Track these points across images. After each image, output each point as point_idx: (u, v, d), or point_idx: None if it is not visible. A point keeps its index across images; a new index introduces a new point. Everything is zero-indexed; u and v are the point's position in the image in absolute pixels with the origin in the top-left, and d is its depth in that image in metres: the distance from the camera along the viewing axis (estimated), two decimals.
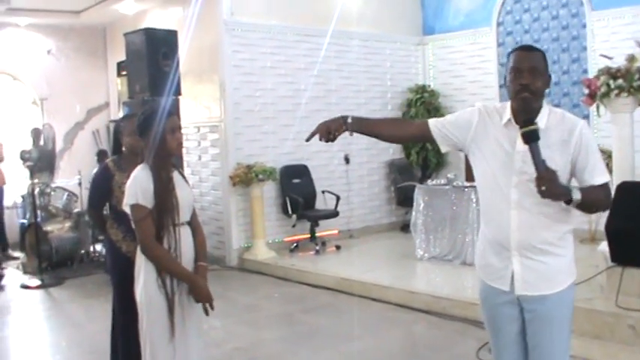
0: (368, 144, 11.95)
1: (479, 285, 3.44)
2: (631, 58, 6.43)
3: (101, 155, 11.08)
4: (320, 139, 3.44)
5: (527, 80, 3.10)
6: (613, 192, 6.00)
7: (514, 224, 3.17)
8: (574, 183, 3.18)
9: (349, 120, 3.53)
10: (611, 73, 6.33)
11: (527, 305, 3.23)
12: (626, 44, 7.78)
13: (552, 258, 3.18)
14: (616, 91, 6.25)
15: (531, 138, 3.04)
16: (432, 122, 3.46)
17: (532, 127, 3.04)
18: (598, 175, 3.13)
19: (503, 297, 3.28)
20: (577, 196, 3.00)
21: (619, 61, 6.47)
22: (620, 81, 6.24)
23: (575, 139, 3.11)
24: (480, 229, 3.44)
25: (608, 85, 6.28)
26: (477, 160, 3.34)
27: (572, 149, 3.12)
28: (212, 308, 3.97)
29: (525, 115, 3.11)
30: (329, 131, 3.43)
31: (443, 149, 3.51)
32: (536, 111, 3.16)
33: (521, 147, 3.12)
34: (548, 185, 2.95)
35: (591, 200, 3.08)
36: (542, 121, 3.13)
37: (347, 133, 3.49)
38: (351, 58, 11.80)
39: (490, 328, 3.45)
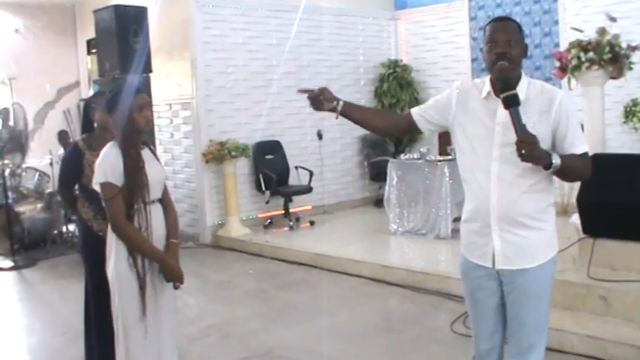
0: (340, 119, 11.89)
1: (460, 258, 3.46)
2: (602, 31, 6.45)
3: (62, 135, 10.98)
4: (307, 99, 3.42)
5: (503, 49, 3.12)
6: None
7: (494, 198, 3.19)
8: None
9: (341, 102, 3.62)
10: (582, 46, 6.35)
11: (507, 278, 3.26)
12: (598, 17, 7.79)
13: (532, 232, 3.20)
14: (587, 64, 6.28)
15: (511, 102, 3.05)
16: (415, 111, 3.50)
17: (511, 92, 3.06)
18: (578, 145, 3.15)
19: (483, 271, 3.31)
20: (557, 160, 3.02)
21: (590, 34, 6.49)
22: (590, 54, 6.26)
23: (555, 109, 3.13)
24: (464, 208, 3.43)
25: (579, 58, 6.30)
26: (459, 137, 3.33)
27: (552, 119, 3.13)
28: (181, 284, 3.98)
29: (504, 84, 3.11)
30: (320, 101, 3.35)
31: (427, 133, 3.55)
32: (515, 80, 3.16)
33: (502, 118, 3.14)
34: (528, 148, 2.95)
35: (571, 167, 3.11)
36: (521, 91, 3.14)
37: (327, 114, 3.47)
38: (323, 33, 11.74)
39: (469, 300, 3.47)
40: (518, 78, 3.19)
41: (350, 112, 3.52)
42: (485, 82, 3.27)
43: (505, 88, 3.08)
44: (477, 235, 3.31)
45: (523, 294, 3.24)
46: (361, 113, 3.64)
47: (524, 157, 2.98)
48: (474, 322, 3.49)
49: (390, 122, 3.69)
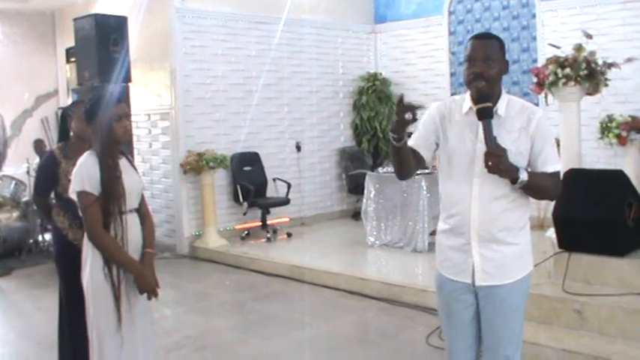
0: (319, 131, 11.98)
1: (435, 273, 3.46)
2: (578, 48, 6.52)
3: (38, 144, 10.93)
4: (407, 114, 3.03)
5: (480, 68, 3.15)
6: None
7: (474, 212, 3.21)
8: None
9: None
10: (559, 62, 6.41)
11: (483, 292, 3.27)
12: (575, 34, 7.89)
13: (509, 247, 3.23)
14: (563, 80, 6.34)
15: (485, 114, 3.11)
16: (411, 142, 3.42)
17: (486, 104, 3.12)
18: (550, 163, 3.20)
19: (460, 284, 3.32)
20: (523, 176, 3.06)
21: (567, 51, 6.55)
22: (567, 70, 6.32)
23: (532, 126, 3.17)
24: (439, 224, 3.43)
25: (556, 74, 6.36)
26: (442, 151, 3.35)
27: (529, 136, 3.17)
28: (155, 297, 3.95)
29: (479, 96, 3.14)
30: (408, 123, 3.09)
31: (428, 161, 3.42)
32: (495, 97, 3.20)
33: (480, 136, 3.16)
34: (495, 161, 3.01)
35: (538, 185, 3.16)
36: (501, 108, 3.20)
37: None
38: (302, 45, 11.78)
39: (444, 314, 3.47)
40: (499, 95, 3.22)
41: (406, 147, 3.31)
42: (465, 98, 3.29)
43: (480, 100, 3.13)
44: (456, 252, 3.31)
45: (499, 308, 3.25)
46: (410, 153, 3.35)
47: (490, 169, 3.04)
48: (449, 336, 3.48)
49: (414, 162, 3.40)
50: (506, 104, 3.23)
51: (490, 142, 3.07)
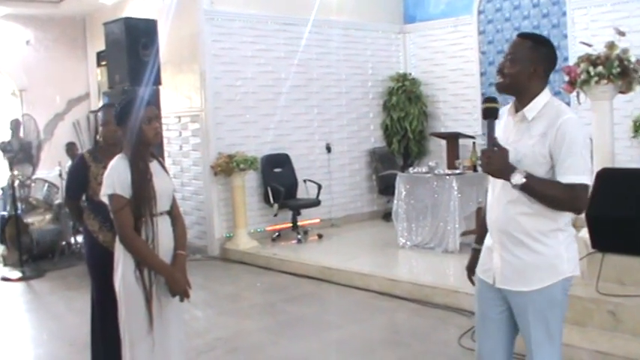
0: (349, 132, 11.97)
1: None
2: (610, 46, 6.44)
3: (70, 147, 11.01)
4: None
5: (502, 65, 3.20)
6: (594, 178, 6.05)
7: (494, 214, 3.25)
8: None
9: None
10: (591, 61, 6.34)
11: (508, 296, 3.28)
12: (606, 32, 7.81)
13: (530, 254, 3.16)
14: (596, 79, 6.26)
15: (488, 114, 3.17)
16: None
17: (492, 105, 3.17)
18: (566, 174, 3.04)
19: (486, 284, 3.37)
20: (516, 180, 3.01)
21: (599, 49, 6.48)
22: (599, 68, 6.25)
23: (553, 131, 3.06)
24: None
25: (588, 72, 6.28)
26: None
27: (548, 141, 3.07)
28: (187, 298, 3.95)
29: (490, 97, 3.22)
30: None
31: None
32: (527, 100, 3.17)
33: (513, 138, 3.18)
34: (488, 161, 3.03)
35: (539, 192, 3.06)
36: (531, 111, 3.15)
37: None
38: (331, 47, 11.77)
39: (477, 312, 3.49)
40: (531, 97, 3.17)
41: None
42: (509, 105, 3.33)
43: (489, 99, 3.19)
44: (486, 251, 3.39)
45: (522, 315, 3.25)
46: None
47: (483, 168, 3.08)
48: (479, 334, 3.51)
49: None
50: (541, 108, 3.15)
51: (488, 142, 3.10)
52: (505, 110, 3.34)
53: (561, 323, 3.30)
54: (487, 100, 3.21)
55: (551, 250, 3.16)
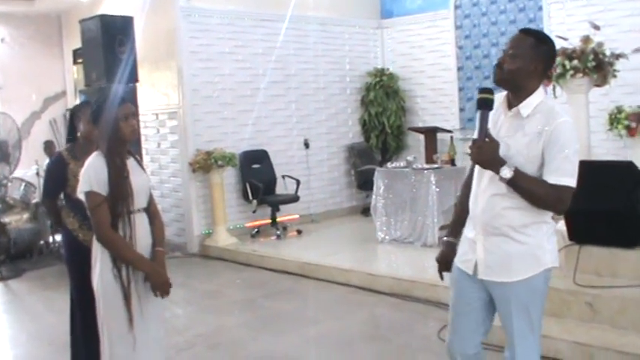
0: (327, 128, 11.98)
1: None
2: (586, 40, 6.50)
3: (48, 146, 10.95)
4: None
5: (502, 59, 3.20)
6: None
7: (480, 207, 3.29)
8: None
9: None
10: (567, 54, 6.39)
11: (489, 286, 3.34)
12: (582, 26, 7.86)
13: (514, 245, 3.22)
14: (571, 72, 6.33)
15: (483, 105, 3.19)
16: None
17: (488, 96, 3.19)
18: (554, 175, 3.11)
19: (465, 274, 3.41)
20: (505, 173, 3.07)
21: (574, 43, 6.53)
22: (575, 62, 6.31)
23: (547, 132, 3.10)
24: None
25: (563, 65, 6.34)
26: None
27: (542, 141, 3.11)
28: (167, 295, 3.92)
29: (486, 87, 3.25)
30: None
31: None
32: (522, 97, 3.19)
33: (505, 133, 3.22)
34: (478, 151, 3.10)
35: (525, 188, 3.11)
36: (525, 108, 3.18)
37: None
38: (309, 42, 11.77)
39: (452, 299, 3.53)
40: (527, 94, 3.19)
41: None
42: (500, 98, 3.34)
43: (485, 90, 3.21)
44: (467, 242, 3.41)
45: (504, 305, 3.31)
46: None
47: (471, 157, 3.15)
48: (451, 322, 3.56)
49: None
50: (535, 106, 3.18)
51: (480, 133, 3.13)
52: (497, 99, 3.34)
53: (542, 314, 3.37)
54: (483, 90, 3.23)
55: (534, 241, 3.22)
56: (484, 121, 3.16)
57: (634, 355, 4.90)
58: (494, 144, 3.11)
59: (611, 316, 5.39)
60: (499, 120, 3.29)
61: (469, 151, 3.16)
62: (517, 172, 3.07)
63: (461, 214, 3.55)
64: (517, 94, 3.21)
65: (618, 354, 4.97)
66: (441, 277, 3.66)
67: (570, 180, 3.13)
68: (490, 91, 3.22)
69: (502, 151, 3.13)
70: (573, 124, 3.19)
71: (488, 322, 3.49)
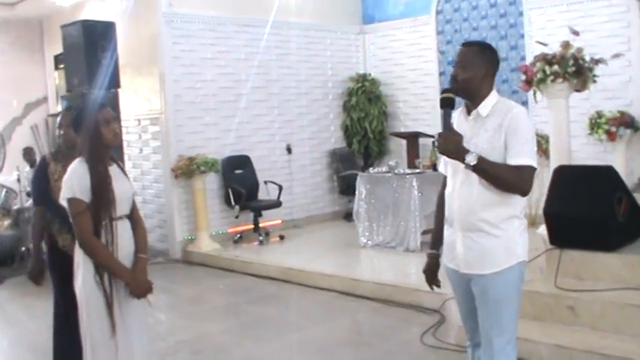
0: (310, 133, 12.00)
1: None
2: (565, 45, 6.53)
3: (27, 152, 10.88)
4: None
5: (455, 72, 3.47)
6: (550, 175, 6.14)
7: (456, 205, 3.49)
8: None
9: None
10: (547, 60, 6.42)
11: (472, 280, 3.51)
12: (562, 31, 7.90)
13: (490, 238, 3.41)
14: (551, 77, 6.35)
15: (445, 104, 3.46)
16: (439, 168, 3.81)
17: (447, 95, 3.47)
18: (515, 157, 3.31)
19: (454, 270, 3.61)
20: (469, 159, 3.27)
21: (555, 48, 6.57)
22: (555, 67, 6.33)
23: (505, 122, 3.35)
24: None
25: (544, 71, 6.37)
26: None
27: (503, 132, 3.34)
28: (149, 302, 3.95)
29: (446, 88, 3.52)
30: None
31: None
32: (478, 98, 3.45)
33: (469, 135, 3.42)
34: (443, 142, 3.33)
35: (494, 172, 3.32)
36: (483, 108, 3.44)
37: None
38: (291, 48, 11.79)
39: (453, 291, 3.78)
40: (483, 96, 3.46)
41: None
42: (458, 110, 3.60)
43: (445, 90, 3.50)
44: (448, 240, 3.62)
45: (483, 297, 3.47)
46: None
47: (439, 150, 3.39)
48: (464, 316, 3.77)
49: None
50: (492, 106, 3.44)
51: (444, 127, 3.40)
52: (457, 114, 3.58)
53: (518, 311, 3.52)
54: (444, 91, 3.50)
55: (507, 235, 3.42)
56: (447, 116, 3.43)
57: (615, 358, 4.94)
58: (458, 135, 3.33)
59: (592, 319, 5.43)
60: (462, 127, 3.46)
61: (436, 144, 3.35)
62: (481, 159, 3.27)
63: (440, 227, 3.76)
64: (474, 100, 3.46)
65: (599, 356, 5.00)
66: (431, 288, 3.88)
67: (530, 160, 3.33)
68: (450, 91, 3.47)
69: (471, 149, 3.34)
70: (525, 112, 3.47)
71: None
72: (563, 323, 5.57)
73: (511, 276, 3.43)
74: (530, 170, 3.33)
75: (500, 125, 3.35)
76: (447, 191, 3.60)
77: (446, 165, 3.62)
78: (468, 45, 3.56)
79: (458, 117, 3.56)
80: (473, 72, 3.43)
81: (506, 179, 3.33)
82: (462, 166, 3.36)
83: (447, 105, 3.45)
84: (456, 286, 3.68)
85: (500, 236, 3.40)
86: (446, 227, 3.64)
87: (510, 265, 3.42)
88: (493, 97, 3.46)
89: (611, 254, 5.78)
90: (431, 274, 3.81)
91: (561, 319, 5.59)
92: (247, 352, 6.20)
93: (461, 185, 3.46)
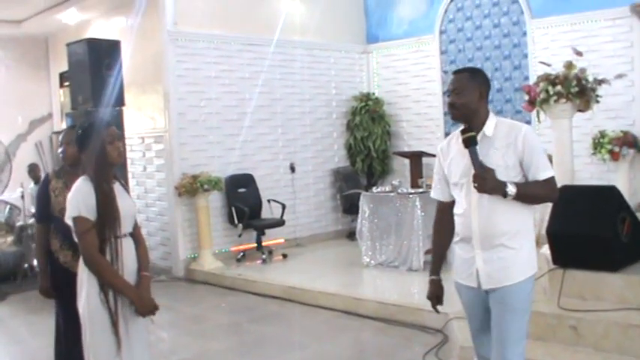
0: (313, 152, 12.01)
1: (455, 283, 3.88)
2: (569, 65, 6.55)
3: (32, 169, 10.90)
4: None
5: (452, 99, 3.70)
6: None
7: (475, 224, 3.64)
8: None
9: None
10: (550, 80, 6.44)
11: (490, 294, 3.68)
12: (566, 51, 7.93)
13: (509, 252, 3.60)
14: (555, 97, 6.37)
15: (470, 143, 3.58)
16: (435, 195, 3.99)
17: (470, 134, 3.59)
18: (542, 171, 3.58)
19: (470, 288, 3.75)
20: (511, 190, 3.48)
21: (558, 68, 6.59)
22: (558, 87, 6.35)
23: (520, 142, 3.57)
24: (454, 238, 3.85)
25: (547, 91, 6.38)
26: (451, 179, 3.80)
27: (519, 151, 3.57)
28: (152, 320, 3.97)
29: (465, 128, 3.64)
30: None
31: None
32: (480, 120, 3.67)
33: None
34: (481, 182, 3.49)
35: (529, 194, 3.58)
36: (488, 129, 3.66)
37: None
38: (295, 67, 11.82)
39: (467, 316, 3.93)
40: (484, 118, 3.69)
41: None
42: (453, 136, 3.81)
43: (465, 130, 3.62)
44: (464, 259, 3.74)
45: (502, 308, 3.63)
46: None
47: (478, 189, 3.53)
48: (475, 333, 3.91)
49: (449, 226, 3.90)
50: (495, 125, 3.67)
51: (476, 166, 3.54)
52: (452, 138, 3.84)
53: (528, 322, 3.74)
54: (463, 131, 3.62)
55: (525, 247, 3.66)
56: (475, 155, 3.55)
57: None
58: (492, 171, 3.50)
59: (595, 339, 5.41)
60: (462, 150, 3.66)
61: (473, 183, 3.53)
62: (519, 186, 3.51)
63: (439, 252, 3.99)
64: (474, 123, 3.66)
65: None
66: (437, 311, 4.02)
67: (551, 171, 3.64)
68: (469, 130, 3.60)
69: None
70: (532, 129, 3.80)
71: None
72: (566, 343, 5.55)
73: (528, 286, 3.65)
74: (554, 179, 3.65)
75: (512, 144, 3.57)
76: (459, 212, 3.74)
77: (457, 187, 3.75)
78: (458, 72, 3.76)
79: (455, 141, 3.77)
80: (468, 96, 3.65)
81: (541, 195, 3.68)
82: (472, 187, 3.55)
83: (472, 143, 3.58)
84: (471, 302, 3.80)
85: (519, 249, 3.61)
86: (459, 245, 3.77)
87: (529, 276, 3.65)
88: (492, 118, 3.69)
89: (615, 274, 5.77)
90: (436, 299, 3.94)
91: (564, 339, 5.58)
92: None
93: (478, 204, 3.61)
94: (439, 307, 3.97)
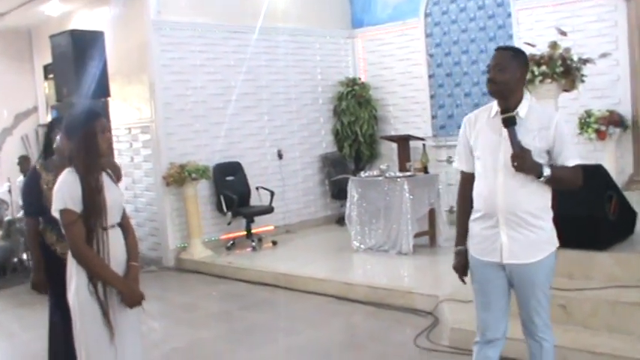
0: (300, 138, 12.00)
1: (470, 259, 3.97)
2: (553, 45, 6.55)
3: (22, 161, 10.84)
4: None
5: (492, 75, 3.76)
6: None
7: (500, 200, 3.74)
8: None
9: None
10: (535, 60, 6.44)
11: (511, 269, 3.81)
12: (550, 32, 7.94)
13: (534, 229, 3.74)
14: (540, 78, 6.37)
15: (509, 122, 3.68)
16: (458, 166, 4.07)
17: (510, 114, 3.69)
18: (571, 159, 3.74)
19: (490, 263, 3.85)
20: (547, 172, 3.63)
21: (543, 48, 6.59)
22: (543, 67, 6.36)
23: (552, 129, 3.70)
24: (472, 215, 3.94)
25: (532, 71, 6.39)
26: (476, 152, 3.89)
27: (550, 137, 3.70)
28: (142, 309, 3.96)
29: (501, 104, 3.76)
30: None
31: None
32: (515, 101, 3.76)
33: (506, 134, 3.71)
34: (520, 162, 3.61)
35: (561, 178, 3.73)
36: (522, 111, 3.75)
37: None
38: (280, 53, 11.79)
39: (479, 292, 3.98)
40: (519, 99, 3.78)
41: None
42: (493, 105, 3.86)
43: (505, 110, 3.71)
44: (485, 235, 3.85)
45: (526, 283, 3.81)
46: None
47: (517, 169, 3.65)
48: (483, 310, 3.97)
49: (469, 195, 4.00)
50: (528, 108, 3.76)
51: (515, 146, 3.64)
52: (481, 111, 3.94)
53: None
54: (504, 111, 3.71)
55: (548, 225, 3.81)
56: (514, 135, 3.66)
57: (606, 356, 4.97)
58: (529, 152, 3.63)
59: (583, 317, 5.46)
60: (495, 126, 3.79)
61: (511, 162, 3.64)
62: (553, 169, 3.67)
63: (466, 222, 4.00)
64: (509, 101, 3.74)
65: (592, 355, 5.03)
66: (464, 282, 4.11)
67: (580, 159, 3.79)
68: (509, 110, 3.70)
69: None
70: (563, 117, 3.92)
71: (508, 311, 3.97)
72: (555, 322, 5.51)
73: (551, 261, 3.82)
74: (580, 167, 3.79)
75: (545, 128, 3.70)
76: (481, 188, 3.84)
77: (481, 161, 3.83)
78: (502, 49, 3.86)
79: (487, 118, 3.86)
80: (509, 74, 3.72)
81: (570, 180, 3.79)
82: (501, 163, 3.70)
83: (511, 124, 3.67)
84: (486, 278, 3.88)
85: (542, 227, 3.76)
86: (480, 222, 3.86)
87: (551, 252, 3.81)
88: (526, 100, 3.79)
89: (602, 253, 5.82)
90: (462, 269, 4.04)
91: (553, 318, 5.53)
92: (241, 359, 6.20)
93: (504, 181, 3.71)
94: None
